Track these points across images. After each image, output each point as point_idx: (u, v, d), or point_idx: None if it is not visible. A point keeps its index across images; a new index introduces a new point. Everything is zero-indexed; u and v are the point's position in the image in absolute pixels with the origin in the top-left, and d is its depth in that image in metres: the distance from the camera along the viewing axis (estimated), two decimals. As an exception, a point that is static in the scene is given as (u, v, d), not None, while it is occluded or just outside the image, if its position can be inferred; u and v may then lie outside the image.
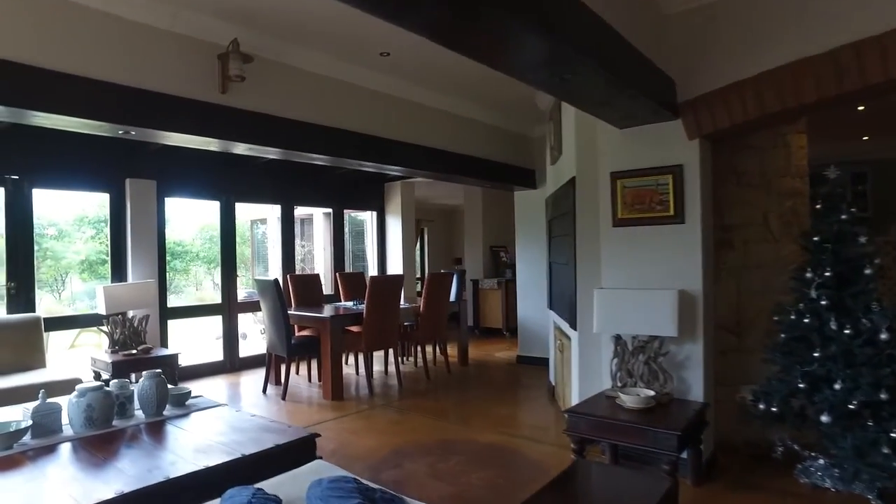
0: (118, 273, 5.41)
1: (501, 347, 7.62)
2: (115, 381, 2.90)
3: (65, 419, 2.68)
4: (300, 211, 9.89)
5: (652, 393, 3.07)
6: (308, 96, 4.07)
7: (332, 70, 4.20)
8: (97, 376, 4.84)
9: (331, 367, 4.98)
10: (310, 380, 5.75)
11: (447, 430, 4.19)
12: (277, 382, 5.55)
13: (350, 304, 6.02)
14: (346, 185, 7.50)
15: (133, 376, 5.17)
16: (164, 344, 5.66)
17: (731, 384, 3.63)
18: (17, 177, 4.75)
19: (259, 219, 11.26)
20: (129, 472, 2.13)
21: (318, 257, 9.40)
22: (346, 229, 9.79)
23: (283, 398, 5.03)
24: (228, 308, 6.27)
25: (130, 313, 5.16)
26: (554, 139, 4.52)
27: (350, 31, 3.72)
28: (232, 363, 6.27)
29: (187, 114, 3.30)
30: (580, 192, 3.83)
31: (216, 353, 6.61)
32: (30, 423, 2.51)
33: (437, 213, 11.81)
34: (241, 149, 3.82)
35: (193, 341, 7.64)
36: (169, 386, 3.02)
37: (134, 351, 4.82)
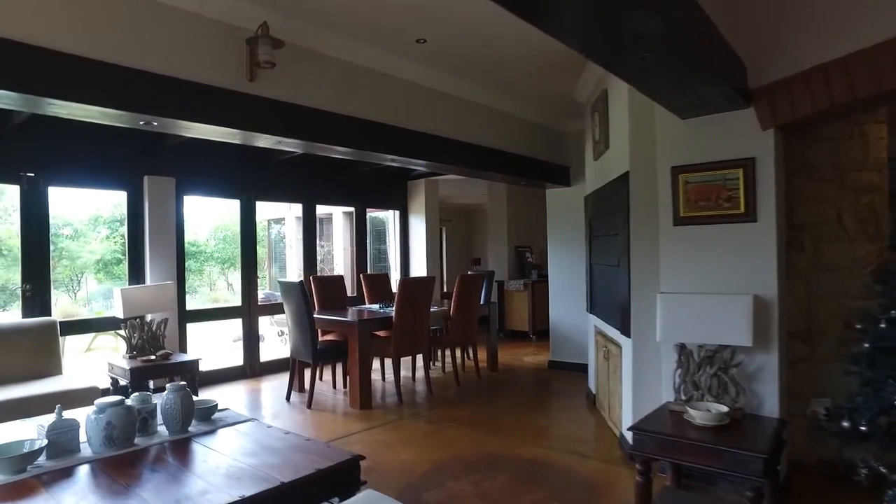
0: (136, 275, 5.19)
1: (529, 351, 7.33)
2: (137, 394, 2.65)
3: (82, 436, 2.44)
4: (319, 210, 9.67)
5: (725, 409, 2.76)
6: (339, 86, 3.81)
7: (365, 58, 3.94)
8: (115, 383, 4.63)
9: (359, 375, 4.72)
10: (334, 386, 5.50)
11: (486, 443, 3.91)
12: (301, 389, 5.30)
13: (375, 306, 5.77)
14: (368, 183, 7.25)
15: (151, 383, 4.96)
16: (182, 349, 5.43)
17: (801, 397, 3.32)
18: (32, 174, 4.54)
19: (275, 218, 11.05)
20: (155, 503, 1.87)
21: (337, 258, 9.17)
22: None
23: (309, 406, 4.78)
24: (249, 311, 6.03)
25: (148, 317, 4.94)
26: (599, 133, 4.22)
27: (386, 16, 3.46)
28: (252, 368, 6.03)
29: (213, 103, 3.05)
30: (634, 189, 3.53)
31: (235, 358, 6.38)
32: (45, 442, 2.26)
33: (455, 213, 11.54)
34: (267, 141, 3.57)
35: (210, 345, 7.43)
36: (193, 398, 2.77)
37: (153, 357, 4.60)
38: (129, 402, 2.58)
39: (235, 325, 8.55)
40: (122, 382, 4.48)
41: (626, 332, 3.64)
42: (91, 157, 4.85)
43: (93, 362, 6.70)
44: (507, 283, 8.46)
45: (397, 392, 4.97)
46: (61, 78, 2.50)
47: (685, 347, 3.04)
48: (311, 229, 6.70)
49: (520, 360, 6.80)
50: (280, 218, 10.82)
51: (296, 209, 9.86)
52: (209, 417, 2.87)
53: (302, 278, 6.01)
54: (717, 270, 3.06)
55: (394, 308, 5.45)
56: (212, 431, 2.69)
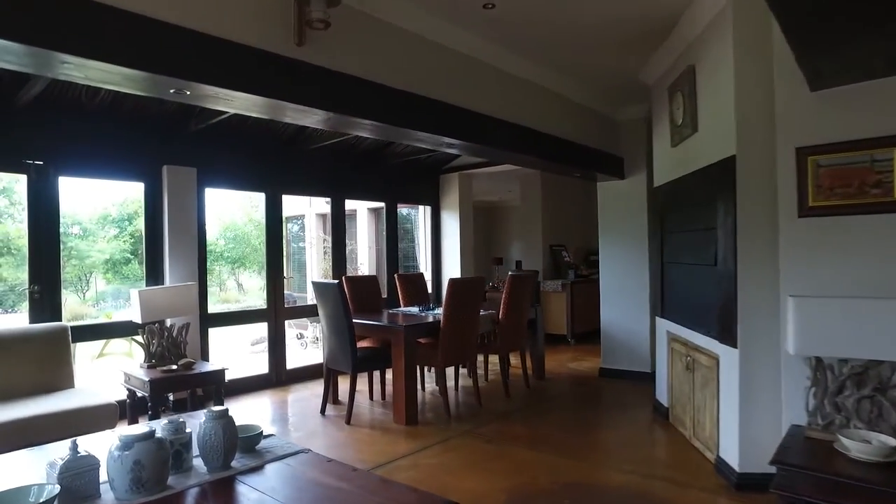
0: (153, 274, 4.70)
1: (571, 357, 6.80)
2: (167, 422, 2.14)
3: (102, 475, 1.94)
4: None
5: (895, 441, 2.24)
6: (395, 57, 3.30)
7: (425, 27, 3.43)
8: (132, 395, 4.14)
9: (404, 387, 4.21)
10: (371, 398, 4.99)
11: (561, 467, 3.40)
12: (335, 401, 4.81)
13: (414, 309, 5.26)
14: (399, 176, 6.75)
15: (171, 397, 4.48)
16: (204, 356, 4.95)
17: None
18: (41, 162, 4.06)
19: (293, 216, 10.56)
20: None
21: (361, 256, 8.67)
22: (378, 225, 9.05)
23: (348, 422, 4.27)
24: (275, 314, 5.54)
25: (168, 321, 4.46)
26: (682, 115, 3.70)
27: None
28: (279, 377, 5.54)
29: (256, 68, 2.55)
30: (743, 175, 3.00)
31: (258, 365, 5.90)
32: (56, 489, 1.76)
33: (475, 210, 10.99)
34: (314, 118, 3.06)
35: (227, 350, 6.93)
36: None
37: (174, 366, 4.11)
38: (159, 432, 2.08)
39: (252, 329, 8.10)
40: (140, 394, 4.00)
41: (727, 339, 3.12)
42: (105, 144, 4.37)
43: (106, 370, 6.23)
44: (543, 283, 7.93)
45: (445, 405, 4.46)
46: (78, 28, 2.01)
47: (821, 361, 2.52)
48: (339, 226, 6.20)
49: (564, 367, 6.28)
50: (299, 215, 10.34)
51: (316, 205, 9.39)
52: (254, 448, 2.37)
53: (325, 279, 5.53)
54: (862, 269, 2.54)
55: (441, 311, 4.97)
56: (259, 468, 2.19)
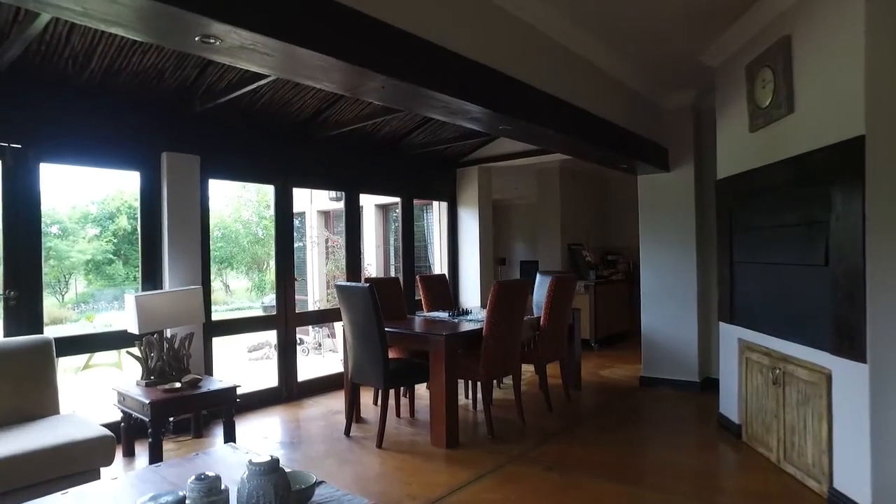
0: (151, 277, 4.11)
1: (600, 363, 6.31)
2: (198, 481, 1.57)
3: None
4: (343, 204, 8.60)
5: None
6: (451, 13, 2.77)
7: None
8: (127, 419, 3.55)
9: (445, 404, 3.68)
10: (398, 414, 4.45)
11: (645, 501, 2.90)
12: (358, 419, 4.26)
13: (441, 314, 4.74)
14: (414, 170, 6.22)
15: (171, 421, 3.90)
16: (208, 370, 4.35)
17: None
18: (18, 145, 3.45)
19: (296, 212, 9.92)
20: None
21: (368, 256, 8.09)
22: (397, 224, 8.51)
23: (379, 446, 3.72)
24: (286, 320, 4.95)
25: (168, 331, 3.87)
26: (772, 94, 3.22)
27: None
28: (289, 390, 4.96)
29: (304, 14, 2.00)
30: (875, 159, 2.53)
31: (265, 377, 5.33)
32: None
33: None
34: (369, 87, 2.51)
35: (223, 359, 6.32)
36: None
37: (177, 384, 3.52)
38: (188, 497, 1.53)
39: (250, 334, 7.49)
40: (136, 415, 3.41)
41: (846, 352, 2.64)
42: (95, 126, 3.77)
43: (93, 386, 5.58)
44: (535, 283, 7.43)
45: (488, 424, 3.93)
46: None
47: None
48: (354, 223, 5.64)
49: (596, 375, 5.79)
50: (298, 212, 9.70)
51: (318, 202, 8.80)
52: (306, 502, 1.82)
53: (339, 281, 4.99)
54: None
55: (474, 317, 4.45)
56: (323, 534, 1.65)
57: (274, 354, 7.78)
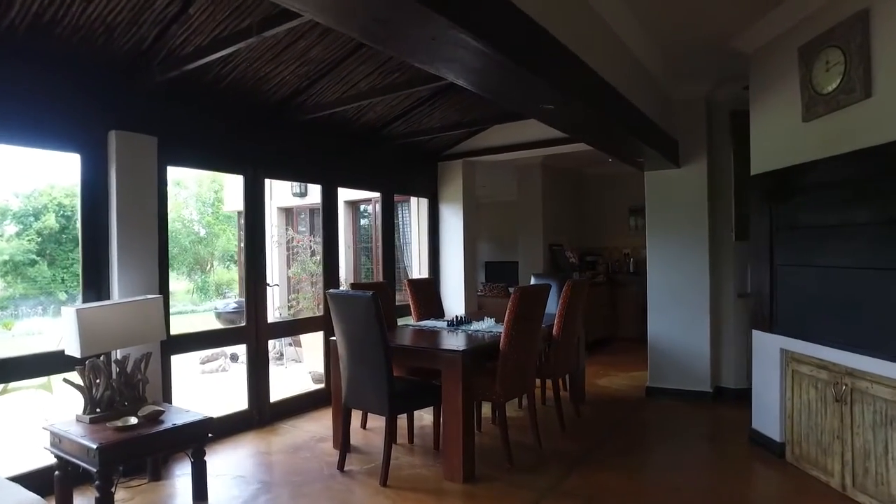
0: (95, 285, 3.34)
1: (593, 371, 5.91)
2: None
3: None
4: (308, 200, 7.91)
5: None
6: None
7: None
8: (64, 467, 2.79)
9: (462, 431, 3.14)
10: (394, 440, 3.85)
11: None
12: (349, 449, 3.64)
13: (439, 323, 4.19)
14: (394, 163, 5.63)
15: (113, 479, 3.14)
16: (167, 396, 3.62)
17: None
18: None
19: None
20: None
21: (321, 256, 7.39)
22: (366, 222, 7.87)
23: (384, 483, 3.13)
24: (256, 332, 4.26)
25: (117, 352, 3.13)
26: (842, 77, 2.87)
27: None
28: (261, 413, 4.26)
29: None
30: None
31: (227, 394, 4.62)
32: None
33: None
34: (459, 54, 1.92)
35: (173, 374, 5.51)
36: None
37: (132, 419, 2.81)
38: None
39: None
40: (77, 463, 2.67)
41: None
42: (18, 93, 2.98)
43: (14, 420, 4.67)
44: (546, 287, 7.03)
45: (506, 451, 3.42)
46: None
47: None
48: (332, 221, 4.99)
49: (593, 385, 5.39)
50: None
51: (278, 198, 8.02)
52: None
53: (347, 287, 4.37)
54: None
55: (480, 327, 3.94)
56: None
57: (230, 366, 7.01)
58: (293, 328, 4.95)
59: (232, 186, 9.27)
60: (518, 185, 7.54)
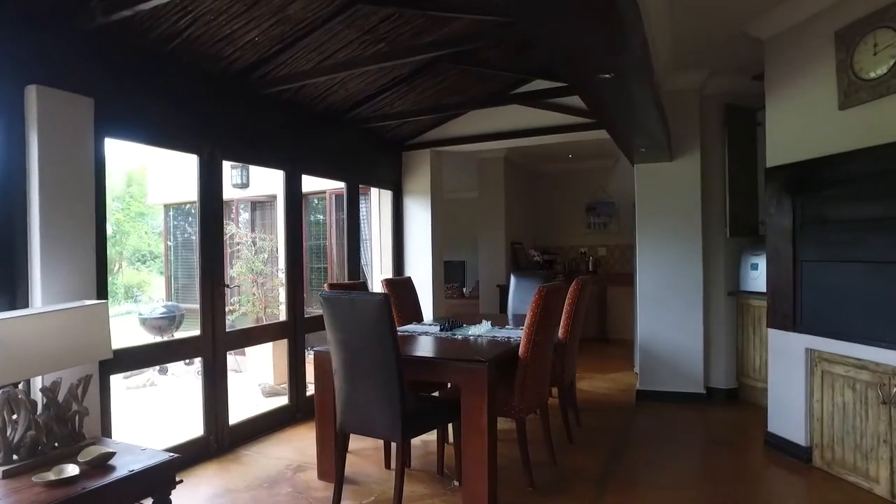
0: (7, 289, 2.54)
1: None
2: None
3: None
4: (250, 192, 7.10)
5: None
6: None
7: None
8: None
9: (487, 453, 2.67)
10: (387, 465, 3.31)
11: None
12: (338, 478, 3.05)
13: (431, 328, 3.71)
14: (356, 150, 5.07)
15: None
16: (105, 429, 2.86)
17: None
18: None
19: (178, 202, 8.01)
20: None
21: (283, 255, 6.63)
22: (318, 217, 7.18)
23: (396, 523, 2.60)
24: (213, 343, 3.55)
25: (43, 378, 2.38)
26: (890, 63, 2.71)
27: None
28: (219, 439, 3.56)
29: None
30: None
31: (179, 423, 3.88)
32: None
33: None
34: None
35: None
36: None
37: (70, 467, 2.10)
38: None
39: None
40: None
41: None
42: None
43: None
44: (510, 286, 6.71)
45: (526, 472, 2.99)
46: None
47: None
48: (296, 209, 4.35)
49: (579, 391, 5.07)
50: (186, 202, 7.82)
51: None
52: None
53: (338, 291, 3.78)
54: None
55: (479, 330, 3.50)
56: None
57: (159, 379, 6.08)
58: (255, 336, 4.24)
59: (158, 175, 8.16)
60: (479, 181, 7.18)
